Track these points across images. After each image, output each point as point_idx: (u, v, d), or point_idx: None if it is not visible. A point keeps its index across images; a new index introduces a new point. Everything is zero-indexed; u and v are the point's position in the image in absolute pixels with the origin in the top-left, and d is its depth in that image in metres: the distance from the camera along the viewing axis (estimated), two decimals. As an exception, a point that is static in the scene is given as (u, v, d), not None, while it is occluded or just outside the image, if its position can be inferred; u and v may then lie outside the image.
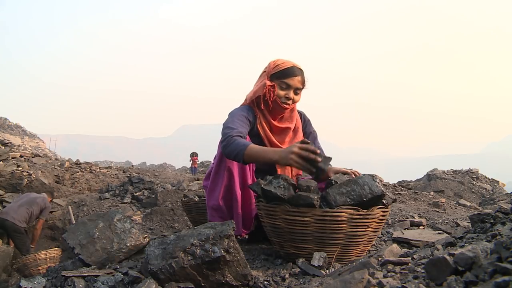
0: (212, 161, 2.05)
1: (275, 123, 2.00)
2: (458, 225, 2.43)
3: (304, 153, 1.52)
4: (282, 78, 1.93)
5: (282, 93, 1.93)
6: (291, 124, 2.04)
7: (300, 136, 2.10)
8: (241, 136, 1.77)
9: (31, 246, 5.27)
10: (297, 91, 1.97)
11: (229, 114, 1.96)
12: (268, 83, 1.93)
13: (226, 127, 1.84)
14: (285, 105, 1.94)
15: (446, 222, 2.55)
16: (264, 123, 1.99)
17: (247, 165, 1.90)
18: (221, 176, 1.91)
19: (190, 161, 15.56)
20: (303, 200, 1.49)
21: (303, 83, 1.98)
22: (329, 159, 1.60)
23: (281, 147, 1.95)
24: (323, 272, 1.39)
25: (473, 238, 1.32)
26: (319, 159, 1.51)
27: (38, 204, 5.25)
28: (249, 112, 1.98)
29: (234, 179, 1.90)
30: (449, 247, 1.31)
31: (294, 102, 1.98)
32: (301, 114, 2.20)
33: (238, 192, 1.91)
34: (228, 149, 1.73)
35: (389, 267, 1.17)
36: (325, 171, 1.57)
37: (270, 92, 1.93)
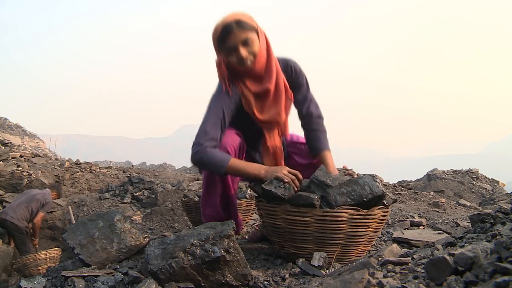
0: None
1: (256, 87, 1.72)
2: (458, 225, 2.44)
3: (291, 177, 1.57)
4: (222, 44, 1.66)
5: (232, 59, 1.66)
6: (270, 84, 1.71)
7: (291, 100, 1.81)
8: (214, 146, 1.63)
9: (34, 243, 5.17)
10: (245, 42, 1.63)
11: (208, 103, 1.73)
12: (217, 60, 1.71)
13: (199, 131, 1.66)
14: (247, 65, 1.66)
15: (446, 222, 2.55)
16: (247, 94, 1.71)
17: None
18: (215, 182, 1.75)
19: None
20: (304, 200, 1.50)
21: (246, 29, 1.62)
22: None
23: (274, 121, 1.76)
24: (323, 272, 1.39)
25: (473, 238, 1.32)
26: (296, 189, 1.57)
27: (38, 201, 5.15)
28: (229, 94, 1.69)
29: (229, 183, 1.77)
30: (449, 247, 1.31)
31: (254, 54, 1.65)
32: (285, 64, 1.81)
33: (233, 195, 1.81)
34: (202, 159, 1.62)
35: (389, 267, 1.17)
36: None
37: (222, 68, 1.69)
